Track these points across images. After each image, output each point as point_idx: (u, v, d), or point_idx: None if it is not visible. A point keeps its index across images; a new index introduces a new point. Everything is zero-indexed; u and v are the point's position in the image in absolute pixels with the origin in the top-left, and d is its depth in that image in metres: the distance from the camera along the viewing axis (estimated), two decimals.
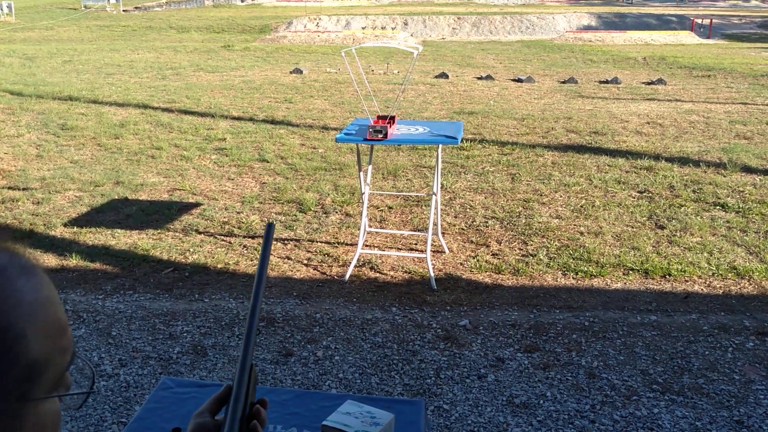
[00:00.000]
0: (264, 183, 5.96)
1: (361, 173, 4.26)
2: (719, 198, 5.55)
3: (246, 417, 0.91)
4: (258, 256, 4.52)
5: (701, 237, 4.78)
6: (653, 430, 2.78)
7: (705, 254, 4.50)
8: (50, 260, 4.38)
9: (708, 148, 7.07)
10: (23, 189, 5.71)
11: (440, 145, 4.06)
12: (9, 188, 5.74)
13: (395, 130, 3.96)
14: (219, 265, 4.34)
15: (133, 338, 3.46)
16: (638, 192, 5.72)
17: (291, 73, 12.47)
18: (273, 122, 8.27)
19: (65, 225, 4.96)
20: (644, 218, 5.13)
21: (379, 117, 3.98)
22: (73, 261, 4.36)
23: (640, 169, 6.33)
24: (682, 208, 5.32)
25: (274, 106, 9.20)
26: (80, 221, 5.04)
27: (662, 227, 4.96)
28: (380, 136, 3.71)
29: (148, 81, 11.32)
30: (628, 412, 2.90)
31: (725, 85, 11.21)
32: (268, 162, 6.55)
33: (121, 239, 4.72)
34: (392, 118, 3.99)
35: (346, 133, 3.89)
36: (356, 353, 3.36)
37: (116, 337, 3.47)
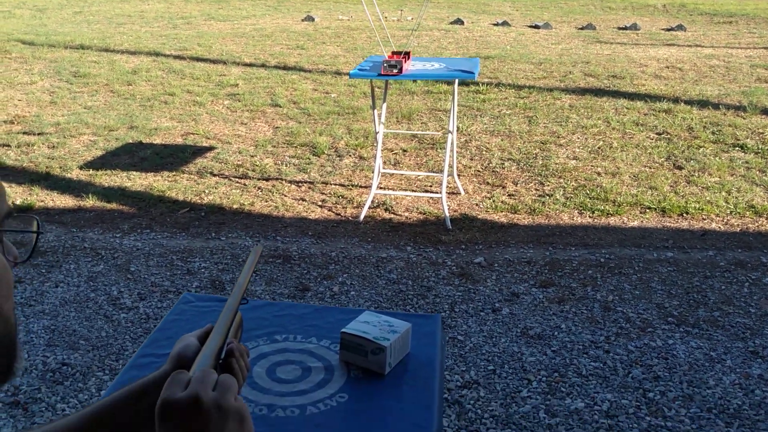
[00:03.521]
0: (277, 127, 5.93)
1: (375, 112, 4.22)
2: (738, 139, 5.47)
3: (225, 353, 0.92)
4: (271, 201, 4.53)
5: (719, 177, 4.73)
6: (667, 360, 2.79)
7: (723, 193, 4.45)
8: (67, 201, 4.41)
9: (728, 92, 6.95)
10: (38, 134, 5.72)
11: (456, 82, 4.01)
12: (24, 133, 5.75)
13: (410, 66, 3.91)
14: (234, 206, 4.35)
15: (151, 274, 3.50)
16: (656, 134, 5.65)
17: (303, 20, 12.32)
18: (285, 68, 8.20)
19: (81, 168, 4.98)
20: (662, 159, 5.07)
21: (393, 53, 3.92)
22: (90, 202, 4.39)
23: (659, 111, 6.23)
24: (701, 149, 5.25)
25: (285, 53, 9.11)
26: (95, 164, 5.06)
27: (680, 167, 4.91)
28: (395, 71, 3.67)
29: (159, 30, 11.22)
30: (643, 343, 2.91)
31: (747, 31, 10.96)
32: (280, 107, 6.51)
33: (137, 181, 4.74)
34: (407, 53, 3.94)
35: (360, 69, 3.84)
36: (371, 289, 3.38)
37: (135, 273, 3.50)
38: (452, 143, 4.26)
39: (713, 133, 5.63)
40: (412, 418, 1.30)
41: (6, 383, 0.71)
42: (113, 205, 4.37)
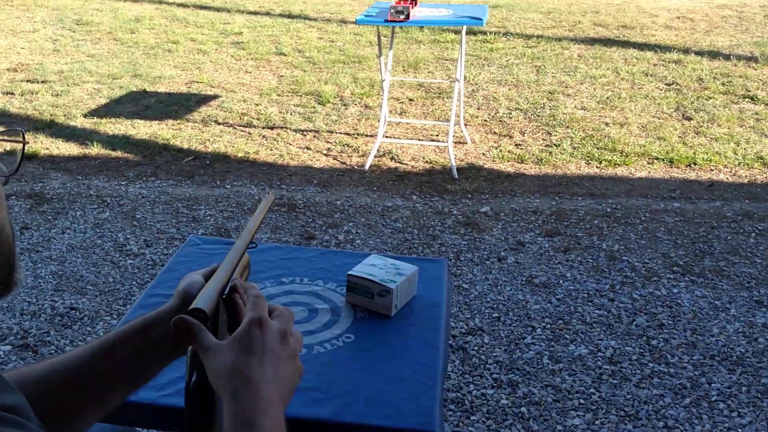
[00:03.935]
0: (282, 76, 5.87)
1: (381, 60, 4.16)
2: (749, 90, 5.39)
3: (228, 289, 0.91)
4: (276, 149, 4.51)
5: (728, 128, 4.68)
6: (672, 308, 2.81)
7: (732, 144, 4.41)
8: (72, 149, 4.40)
9: (740, 42, 6.83)
10: (42, 82, 5.67)
11: (464, 29, 3.94)
12: (28, 81, 5.70)
13: (417, 12, 3.84)
14: (239, 154, 4.33)
15: (157, 221, 3.50)
16: (666, 84, 5.57)
17: None
18: (290, 16, 8.08)
19: (85, 116, 4.95)
20: (671, 110, 5.02)
21: None
22: (95, 150, 4.38)
23: (669, 62, 6.14)
24: (710, 100, 5.19)
25: (290, 1, 8.97)
26: (100, 112, 5.03)
27: (689, 118, 4.85)
28: (402, 17, 3.61)
29: None
30: (648, 291, 2.92)
31: None
32: (285, 55, 6.44)
33: (141, 129, 4.71)
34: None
35: (366, 15, 3.78)
36: (377, 237, 3.39)
37: (141, 220, 3.51)
38: (459, 92, 4.22)
39: (723, 84, 5.55)
40: (418, 357, 1.30)
41: (8, 294, 0.72)
42: (118, 153, 4.36)
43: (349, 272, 1.48)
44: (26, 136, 0.80)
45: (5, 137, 0.73)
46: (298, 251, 1.71)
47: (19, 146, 0.75)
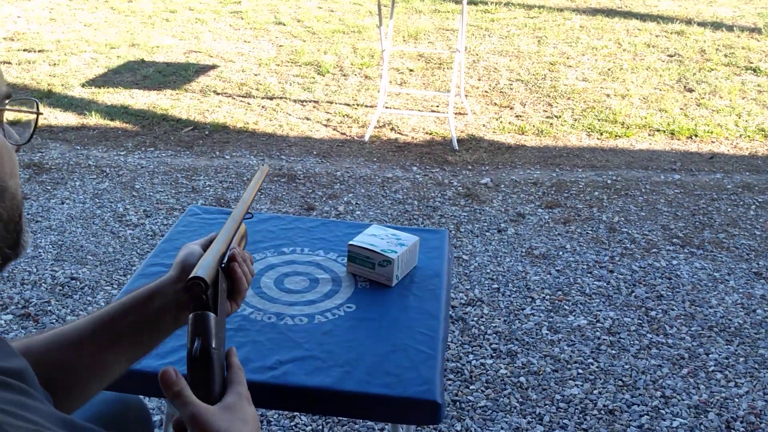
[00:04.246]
0: (281, 46, 5.82)
1: (382, 30, 4.12)
2: (751, 62, 5.35)
3: (227, 258, 0.92)
4: (276, 120, 4.48)
5: (730, 100, 4.66)
6: (671, 280, 2.81)
7: (733, 116, 4.39)
8: (70, 119, 4.37)
9: (743, 13, 6.77)
10: (39, 51, 5.62)
11: (465, 1, 3.90)
12: (25, 50, 5.65)
13: None
14: (238, 125, 4.31)
15: (156, 191, 3.50)
16: (668, 56, 5.53)
17: None
18: None
19: (83, 85, 4.91)
20: (673, 81, 4.98)
21: None
22: (93, 120, 4.35)
23: (671, 33, 6.09)
24: (713, 72, 5.15)
25: None
26: (98, 82, 4.99)
27: (691, 90, 4.82)
28: None
29: None
30: (647, 263, 2.93)
31: None
32: (284, 25, 6.37)
33: (140, 99, 4.68)
34: None
35: None
36: (377, 208, 3.38)
37: (140, 190, 3.50)
38: (460, 63, 4.18)
39: (726, 55, 5.51)
40: (419, 326, 1.31)
41: (17, 257, 0.73)
42: (116, 123, 4.33)
43: (350, 242, 1.47)
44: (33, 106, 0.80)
45: (21, 108, 0.73)
46: (298, 221, 1.70)
47: (29, 116, 0.75)
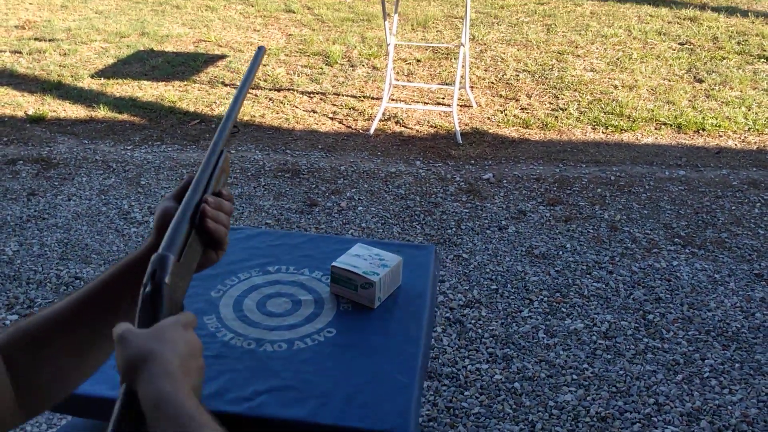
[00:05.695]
0: (290, 34, 5.81)
1: (386, 23, 4.11)
2: (765, 50, 5.28)
3: (199, 215, 0.89)
4: (282, 113, 4.49)
5: (741, 91, 4.60)
6: (670, 282, 2.81)
7: (743, 109, 4.34)
8: (79, 112, 4.41)
9: None
10: (50, 40, 5.66)
11: None
12: (36, 39, 5.69)
13: None
14: (245, 118, 4.33)
15: (161, 187, 3.53)
16: (679, 44, 5.46)
17: None
18: None
19: (92, 76, 4.95)
20: (683, 71, 4.93)
21: None
22: (102, 112, 4.39)
23: (684, 19, 6.01)
24: (724, 61, 5.08)
25: None
26: (107, 72, 5.02)
27: (701, 81, 4.77)
28: None
29: None
30: (647, 264, 2.92)
31: None
32: (294, 12, 6.36)
33: (148, 91, 4.71)
34: None
35: None
36: (379, 204, 3.40)
37: (145, 186, 3.54)
38: (464, 56, 4.16)
39: (739, 43, 5.43)
40: (398, 353, 1.33)
41: None
42: (124, 116, 4.37)
43: (333, 264, 1.49)
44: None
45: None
46: (286, 237, 1.72)
47: None
